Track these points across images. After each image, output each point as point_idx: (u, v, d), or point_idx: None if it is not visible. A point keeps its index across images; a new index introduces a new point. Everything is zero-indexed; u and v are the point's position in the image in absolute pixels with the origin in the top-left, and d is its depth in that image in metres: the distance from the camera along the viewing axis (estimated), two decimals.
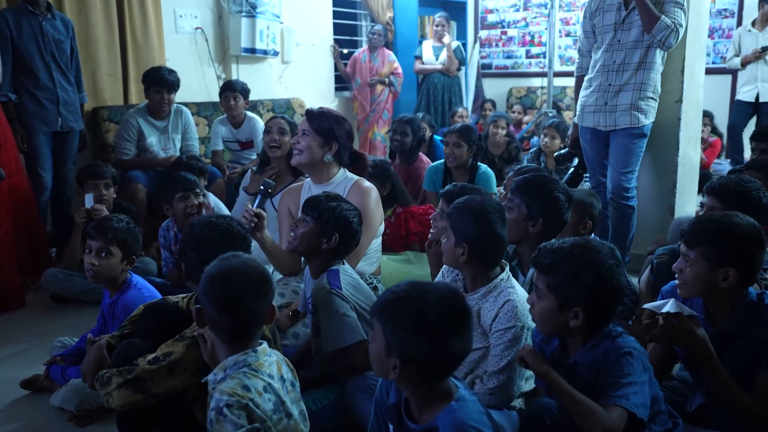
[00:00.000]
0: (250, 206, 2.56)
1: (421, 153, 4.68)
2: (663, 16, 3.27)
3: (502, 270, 2.04)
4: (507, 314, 1.93)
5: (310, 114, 2.74)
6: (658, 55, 3.41)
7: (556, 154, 4.27)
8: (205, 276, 1.60)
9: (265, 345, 1.63)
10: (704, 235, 1.81)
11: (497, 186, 4.11)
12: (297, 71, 6.31)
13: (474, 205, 2.01)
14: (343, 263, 2.24)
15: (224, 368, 1.58)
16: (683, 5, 3.32)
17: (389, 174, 3.78)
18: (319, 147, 2.71)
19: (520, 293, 1.99)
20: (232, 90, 4.66)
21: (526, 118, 7.29)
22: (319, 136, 2.70)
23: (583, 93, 3.66)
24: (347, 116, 3.92)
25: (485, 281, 2.01)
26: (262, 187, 2.75)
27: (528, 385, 2.01)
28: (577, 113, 3.71)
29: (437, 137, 5.34)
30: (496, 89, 8.22)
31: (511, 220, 2.23)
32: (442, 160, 4.16)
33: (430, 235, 2.62)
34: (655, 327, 1.76)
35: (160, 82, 4.27)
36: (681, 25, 3.29)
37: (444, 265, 2.23)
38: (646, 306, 1.84)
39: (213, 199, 3.84)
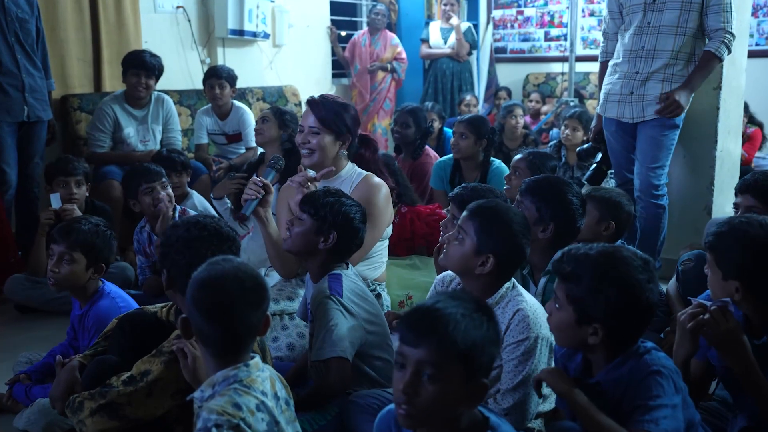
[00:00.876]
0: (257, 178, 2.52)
1: (428, 147, 4.69)
2: (714, 48, 3.31)
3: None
4: (519, 325, 1.95)
5: (316, 107, 2.70)
6: (698, 46, 3.40)
7: (578, 148, 4.27)
8: (194, 281, 1.60)
9: (257, 359, 1.64)
10: (717, 240, 1.84)
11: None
12: (290, 56, 6.32)
13: (509, 215, 2.02)
14: (347, 266, 2.26)
15: (212, 384, 1.58)
16: (730, 5, 3.31)
17: (393, 170, 3.79)
18: (333, 143, 2.70)
19: (530, 301, 2.01)
20: (217, 77, 4.67)
21: (544, 108, 7.29)
22: (331, 131, 2.68)
23: (607, 80, 3.66)
24: None
25: (492, 293, 2.03)
26: (272, 161, 2.75)
27: (548, 405, 2.02)
28: (600, 102, 3.72)
29: (447, 129, 5.34)
30: (511, 76, 8.22)
31: None
32: (451, 155, 4.17)
33: (441, 239, 2.63)
34: (699, 316, 1.77)
35: (138, 64, 4.28)
36: (731, 33, 3.32)
37: (440, 275, 2.25)
38: (698, 299, 1.85)
39: (198, 199, 3.86)
